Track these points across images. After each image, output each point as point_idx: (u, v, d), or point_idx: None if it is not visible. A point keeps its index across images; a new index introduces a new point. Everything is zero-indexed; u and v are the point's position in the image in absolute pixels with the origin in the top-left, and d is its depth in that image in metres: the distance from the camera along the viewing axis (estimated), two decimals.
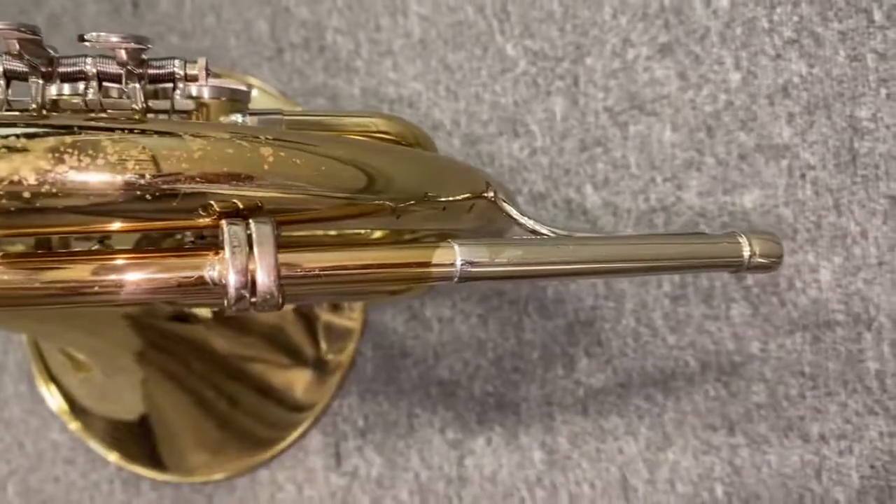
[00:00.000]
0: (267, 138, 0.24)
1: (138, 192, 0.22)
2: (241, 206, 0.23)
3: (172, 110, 0.26)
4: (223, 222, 0.23)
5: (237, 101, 0.27)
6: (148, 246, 0.31)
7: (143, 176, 0.22)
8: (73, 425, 0.61)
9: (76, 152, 0.21)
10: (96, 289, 0.22)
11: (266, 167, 0.23)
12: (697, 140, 0.49)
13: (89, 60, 0.25)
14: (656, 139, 0.50)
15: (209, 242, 0.27)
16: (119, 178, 0.22)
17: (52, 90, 0.26)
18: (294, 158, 0.23)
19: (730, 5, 0.49)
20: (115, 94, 0.26)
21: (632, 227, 0.50)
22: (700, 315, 0.49)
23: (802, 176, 0.47)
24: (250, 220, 0.23)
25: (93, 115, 0.26)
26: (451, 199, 0.27)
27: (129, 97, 0.25)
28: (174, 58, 0.26)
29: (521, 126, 0.52)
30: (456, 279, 0.26)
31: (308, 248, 0.24)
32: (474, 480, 0.53)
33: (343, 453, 0.55)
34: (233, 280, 0.22)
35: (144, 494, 0.61)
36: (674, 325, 0.49)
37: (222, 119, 0.27)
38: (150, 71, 0.25)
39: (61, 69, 0.25)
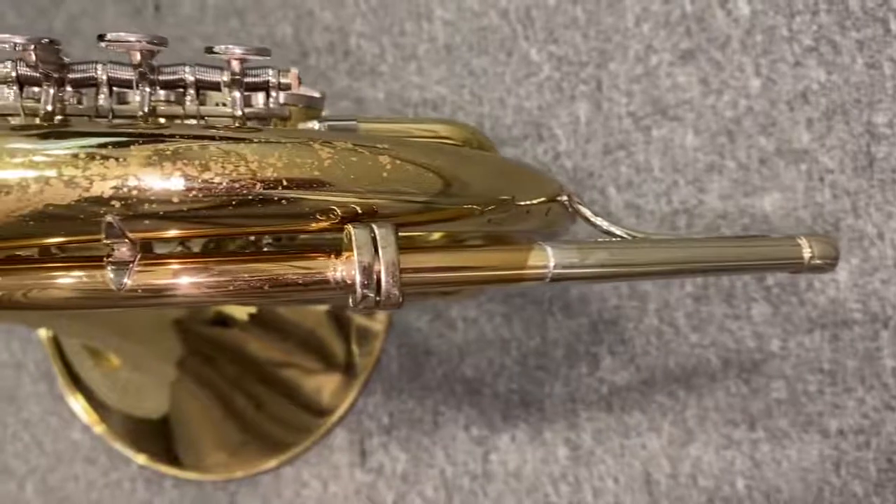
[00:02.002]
0: (384, 147, 0.25)
1: (274, 198, 0.23)
2: (359, 211, 0.24)
3: (267, 118, 0.27)
4: (350, 226, 0.24)
5: (313, 108, 0.28)
6: (213, 249, 0.32)
7: (280, 182, 0.23)
8: (92, 420, 0.61)
9: (221, 160, 0.22)
10: (231, 288, 0.23)
11: (385, 174, 0.24)
12: (719, 144, 0.51)
13: (188, 69, 0.26)
14: (678, 143, 0.51)
15: (302, 243, 0.28)
16: (258, 185, 0.23)
17: (136, 97, 0.26)
18: (407, 167, 0.25)
19: (750, 14, 0.50)
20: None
21: (654, 228, 0.51)
22: (721, 314, 0.50)
23: (821, 179, 0.49)
24: (373, 224, 0.24)
25: (204, 123, 0.26)
26: (531, 202, 0.29)
27: (220, 105, 0.26)
28: (268, 67, 0.27)
29: (546, 130, 0.53)
30: (548, 280, 0.27)
31: (414, 251, 0.25)
32: (499, 476, 0.54)
33: (368, 450, 0.56)
34: (360, 280, 0.24)
35: (167, 492, 0.61)
36: (696, 324, 0.51)
37: (300, 126, 0.28)
38: (248, 80, 0.26)
39: (162, 77, 0.26)
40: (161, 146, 0.23)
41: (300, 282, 0.24)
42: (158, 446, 0.61)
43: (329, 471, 0.57)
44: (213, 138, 0.23)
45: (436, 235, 0.32)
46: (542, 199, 0.29)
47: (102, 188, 0.22)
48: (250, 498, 0.59)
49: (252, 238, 0.31)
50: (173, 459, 0.61)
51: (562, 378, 0.53)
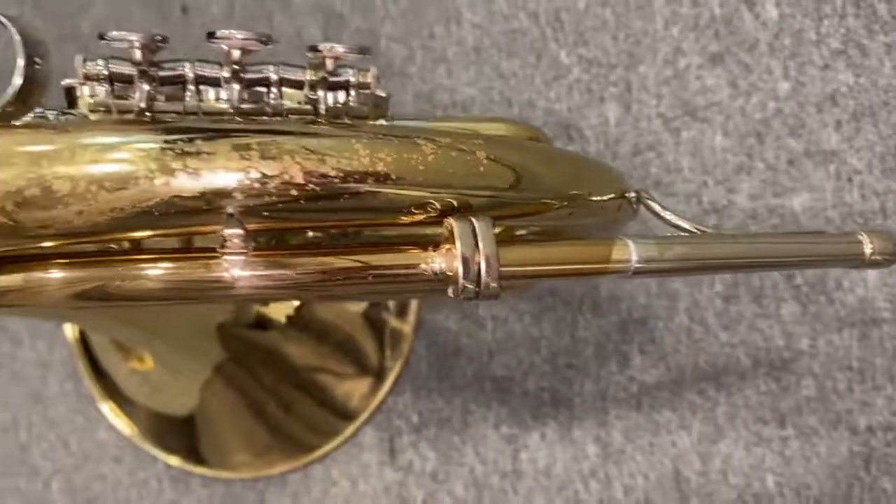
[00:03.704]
0: (479, 143, 0.25)
1: (382, 192, 0.24)
2: (455, 205, 0.25)
3: (349, 115, 0.28)
4: (451, 219, 0.25)
5: (380, 106, 0.29)
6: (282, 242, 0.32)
7: (388, 177, 0.24)
8: (119, 419, 0.61)
9: (336, 155, 0.23)
10: (341, 278, 0.24)
11: (482, 169, 0.25)
12: (748, 145, 0.51)
13: (272, 68, 0.27)
14: (708, 144, 0.52)
15: (382, 236, 0.28)
16: (370, 179, 0.23)
17: (209, 95, 0.27)
18: (501, 163, 0.25)
19: (778, 17, 0.51)
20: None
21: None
22: (751, 313, 0.51)
23: (849, 180, 0.50)
24: (471, 217, 0.25)
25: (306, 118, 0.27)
26: (604, 198, 0.29)
27: (303, 102, 0.27)
28: (348, 66, 0.27)
29: (575, 131, 0.54)
30: (629, 273, 0.28)
31: (506, 244, 0.26)
32: (529, 474, 0.55)
33: (397, 448, 0.57)
34: (462, 272, 0.24)
35: (194, 491, 0.62)
36: (726, 322, 0.51)
37: (370, 124, 0.29)
38: (332, 79, 0.27)
39: (248, 76, 0.27)
40: (280, 140, 0.23)
41: (402, 274, 0.25)
42: (182, 444, 0.61)
43: (358, 469, 0.58)
44: (327, 135, 0.24)
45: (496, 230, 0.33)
46: (614, 194, 0.30)
47: (226, 181, 0.23)
48: (279, 496, 0.59)
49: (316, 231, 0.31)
50: (198, 458, 0.61)
51: (592, 376, 0.54)
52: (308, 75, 0.27)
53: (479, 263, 0.24)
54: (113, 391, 0.62)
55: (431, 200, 0.25)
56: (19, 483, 0.65)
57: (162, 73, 0.26)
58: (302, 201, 0.23)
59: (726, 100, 0.52)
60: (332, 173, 0.23)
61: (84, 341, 0.62)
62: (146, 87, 0.26)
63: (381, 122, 0.29)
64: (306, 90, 0.27)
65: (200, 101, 0.26)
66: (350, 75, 0.27)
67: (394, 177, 0.24)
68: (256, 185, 0.23)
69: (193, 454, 0.61)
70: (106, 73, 0.26)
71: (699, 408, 0.52)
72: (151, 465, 0.62)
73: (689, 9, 0.52)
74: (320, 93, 0.27)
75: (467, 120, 0.32)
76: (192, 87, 0.26)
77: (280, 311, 0.49)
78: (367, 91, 0.28)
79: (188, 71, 0.26)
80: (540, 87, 0.55)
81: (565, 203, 0.28)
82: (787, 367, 0.51)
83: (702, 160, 0.52)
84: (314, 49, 0.26)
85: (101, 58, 0.26)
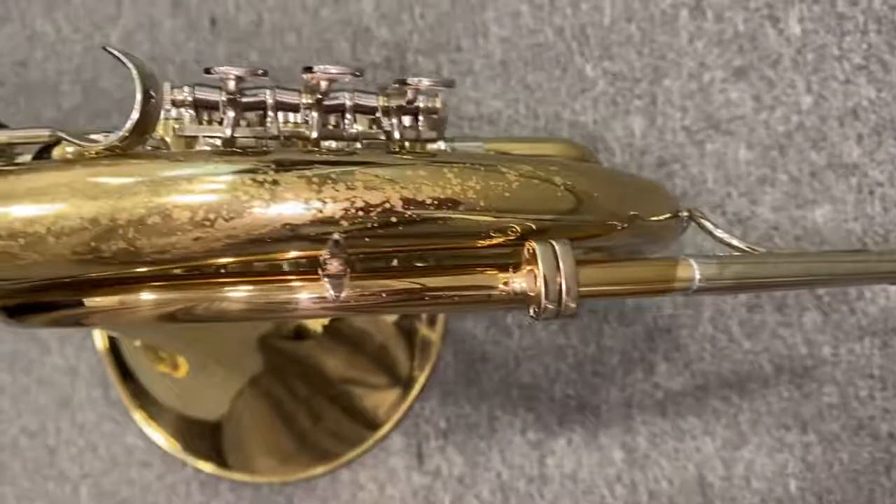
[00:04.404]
0: (555, 169, 0.27)
1: (470, 218, 0.25)
2: (534, 228, 0.26)
3: (419, 140, 0.29)
4: (533, 243, 0.26)
5: (440, 128, 0.30)
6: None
7: (477, 203, 0.25)
8: (147, 424, 0.62)
9: (431, 184, 0.24)
10: (426, 298, 0.25)
11: (559, 195, 0.26)
12: (771, 158, 0.52)
13: (347, 94, 0.28)
14: (732, 157, 0.53)
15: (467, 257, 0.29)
16: (461, 206, 0.25)
17: (277, 118, 0.28)
18: (574, 189, 0.26)
19: (801, 33, 0.52)
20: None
21: (710, 238, 0.53)
22: (774, 322, 0.52)
23: (871, 192, 0.51)
24: (552, 241, 0.26)
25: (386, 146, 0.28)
26: (660, 218, 0.31)
27: (375, 127, 0.28)
28: (421, 93, 0.28)
29: (601, 143, 0.55)
30: (691, 291, 0.29)
31: (580, 266, 0.27)
32: (555, 479, 0.56)
33: (425, 453, 0.58)
34: (545, 293, 0.25)
35: (223, 496, 0.63)
36: (749, 331, 0.53)
37: (429, 147, 0.30)
38: (407, 106, 0.28)
39: (326, 102, 0.28)
40: (380, 171, 0.25)
41: (486, 294, 0.26)
42: (207, 448, 0.62)
43: (386, 474, 0.59)
44: (421, 164, 0.25)
45: None
46: (670, 213, 0.31)
47: (334, 209, 0.24)
48: (307, 501, 0.60)
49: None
50: (222, 463, 0.62)
51: (617, 384, 0.55)
52: (381, 101, 0.28)
53: (560, 284, 0.25)
54: (142, 395, 0.62)
55: (513, 225, 0.26)
56: (48, 487, 0.66)
57: (244, 100, 0.27)
58: (400, 227, 0.25)
59: (750, 113, 0.53)
60: (428, 201, 0.25)
61: (114, 346, 0.63)
62: (232, 113, 0.27)
63: (441, 144, 0.30)
64: (379, 115, 0.28)
65: (280, 126, 0.28)
66: (420, 101, 0.28)
67: (482, 204, 0.25)
68: (360, 213, 0.24)
69: (218, 458, 0.62)
70: (191, 99, 0.27)
71: (723, 414, 0.53)
72: (180, 469, 0.63)
73: (713, 24, 0.53)
74: (394, 119, 0.28)
75: (522, 140, 0.33)
76: (271, 113, 0.27)
77: (317, 320, 0.50)
78: (436, 116, 0.29)
79: (269, 97, 0.27)
80: (566, 100, 0.56)
81: (626, 224, 0.29)
82: (809, 374, 0.52)
83: (726, 172, 0.53)
84: (402, 82, 0.27)
85: (188, 85, 0.27)
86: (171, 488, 0.64)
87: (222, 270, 0.27)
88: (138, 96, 0.25)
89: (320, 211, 0.24)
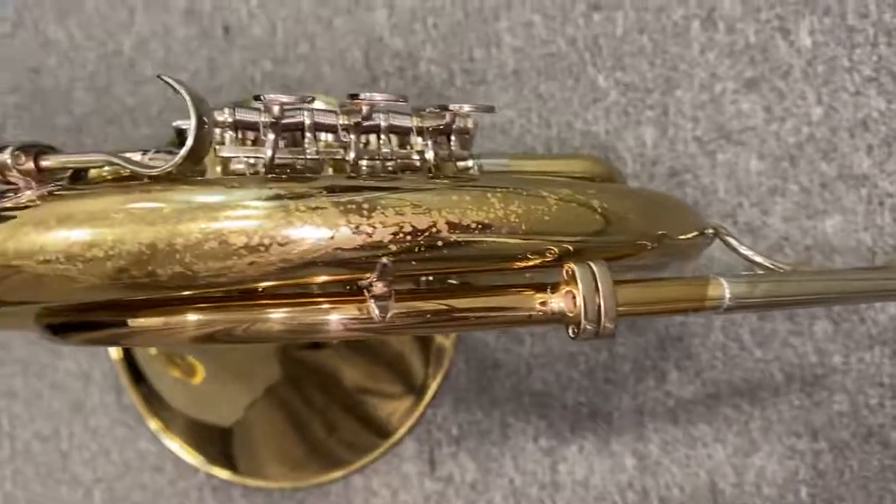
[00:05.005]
0: (592, 192, 0.27)
1: (512, 240, 0.25)
2: (571, 250, 0.27)
3: (451, 159, 0.29)
4: (572, 264, 0.27)
5: (467, 147, 0.31)
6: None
7: (519, 227, 0.26)
8: (162, 432, 0.62)
9: (476, 209, 0.25)
10: (469, 318, 0.26)
11: (596, 217, 0.27)
12: (782, 169, 0.53)
13: (383, 116, 0.28)
14: (743, 167, 0.54)
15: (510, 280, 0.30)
16: (504, 230, 0.25)
17: (315, 139, 0.29)
18: (611, 211, 0.27)
19: (812, 45, 0.53)
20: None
21: (720, 248, 0.54)
22: (785, 331, 0.53)
23: (881, 203, 0.51)
24: (590, 262, 0.27)
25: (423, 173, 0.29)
26: (688, 237, 0.31)
27: (409, 148, 0.28)
28: (456, 116, 0.29)
29: (612, 152, 0.56)
30: (721, 310, 0.30)
31: (616, 285, 0.28)
32: (567, 485, 0.56)
33: (437, 460, 0.59)
34: (584, 313, 0.26)
35: (235, 501, 0.63)
36: (760, 340, 0.53)
37: (460, 164, 0.30)
38: (442, 128, 0.28)
39: (364, 123, 0.28)
40: (426, 197, 0.25)
41: (525, 315, 0.26)
42: (216, 451, 0.62)
43: (398, 480, 0.59)
44: (467, 188, 0.26)
45: None
46: (697, 232, 0.32)
47: (383, 234, 0.25)
48: None
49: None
50: (232, 468, 0.62)
51: (629, 391, 0.55)
52: (415, 122, 0.28)
53: (598, 305, 0.26)
54: (155, 401, 0.63)
55: (551, 247, 0.27)
56: (61, 491, 0.67)
57: (283, 121, 0.28)
58: (444, 251, 0.25)
59: (761, 124, 0.53)
60: (473, 225, 0.25)
61: (127, 353, 0.63)
62: (272, 136, 0.27)
63: (470, 161, 0.31)
64: (413, 137, 0.29)
65: (318, 148, 0.28)
66: (454, 122, 0.29)
67: (524, 227, 0.26)
68: (409, 238, 0.25)
69: (229, 464, 0.62)
70: (231, 120, 0.27)
71: (734, 421, 0.54)
72: (192, 475, 0.64)
73: (724, 35, 0.54)
74: (428, 140, 0.28)
75: (547, 157, 0.34)
76: (308, 134, 0.28)
77: None
78: (467, 136, 0.29)
79: (307, 118, 0.28)
80: (578, 110, 0.57)
81: (656, 244, 0.30)
82: (819, 382, 0.52)
83: (737, 182, 0.54)
84: (444, 108, 0.28)
85: (227, 106, 0.27)
86: (183, 493, 0.64)
87: (259, 291, 0.27)
88: (192, 123, 0.26)
89: (370, 236, 0.25)
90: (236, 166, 0.28)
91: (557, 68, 0.57)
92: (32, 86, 0.68)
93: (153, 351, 0.59)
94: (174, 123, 0.30)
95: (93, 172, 0.29)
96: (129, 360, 0.63)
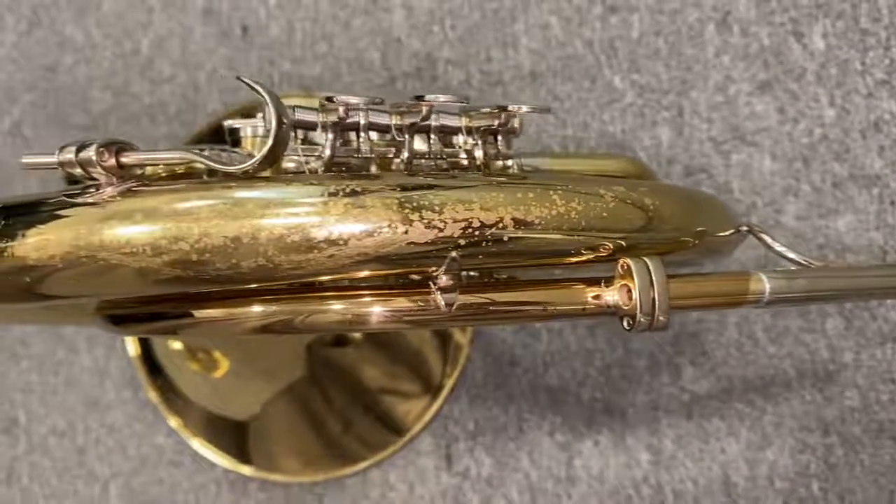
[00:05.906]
0: (644, 190, 0.28)
1: (571, 236, 0.26)
2: (625, 245, 0.28)
3: (499, 157, 0.30)
4: (627, 259, 0.28)
5: (511, 147, 0.32)
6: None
7: (579, 223, 0.26)
8: (174, 422, 0.62)
9: (538, 205, 0.26)
10: (527, 310, 0.27)
11: (650, 214, 0.28)
12: (795, 169, 0.54)
13: (434, 116, 0.29)
14: (757, 167, 0.55)
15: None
16: (565, 226, 0.26)
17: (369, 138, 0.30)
18: (662, 208, 0.28)
19: (825, 48, 0.54)
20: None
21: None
22: (798, 328, 0.54)
23: (892, 203, 0.53)
24: (644, 258, 0.28)
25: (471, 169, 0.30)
26: (726, 233, 0.32)
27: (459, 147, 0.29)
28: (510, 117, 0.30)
29: (629, 152, 0.57)
30: (762, 304, 0.31)
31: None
32: (582, 479, 0.57)
33: (454, 454, 0.59)
34: (640, 306, 0.27)
35: (252, 495, 0.64)
36: (773, 336, 0.54)
37: (500, 164, 0.31)
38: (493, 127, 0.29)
39: (418, 123, 0.29)
40: (493, 194, 0.26)
41: (582, 308, 0.28)
42: (228, 443, 0.62)
43: (415, 474, 0.60)
44: (529, 186, 0.27)
45: None
46: (733, 229, 0.33)
47: (453, 229, 0.26)
48: (338, 500, 0.61)
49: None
50: (245, 461, 0.63)
51: (644, 387, 0.56)
52: (464, 122, 0.29)
53: (653, 298, 0.27)
54: (172, 395, 0.63)
55: (606, 242, 0.28)
56: (77, 486, 0.67)
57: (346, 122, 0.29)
58: (509, 245, 0.26)
59: (775, 125, 0.54)
60: (536, 221, 0.26)
61: (145, 345, 0.63)
62: (331, 135, 0.28)
63: (510, 161, 0.32)
64: (462, 136, 0.30)
65: (372, 147, 0.29)
66: (499, 125, 0.30)
67: (583, 223, 0.27)
68: (477, 233, 0.26)
69: (242, 457, 0.63)
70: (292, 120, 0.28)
71: (747, 416, 0.55)
72: (210, 469, 0.64)
73: (739, 38, 0.55)
74: (479, 139, 0.29)
75: (584, 156, 0.35)
76: (363, 134, 0.29)
77: None
78: (514, 136, 0.30)
79: (361, 118, 0.29)
80: (594, 110, 0.58)
81: (697, 240, 0.31)
82: (831, 378, 0.53)
83: (751, 182, 0.55)
84: (502, 108, 0.29)
85: (288, 106, 0.28)
86: (200, 488, 0.65)
87: (317, 284, 0.28)
88: (273, 124, 0.27)
89: (441, 231, 0.26)
90: (287, 164, 0.29)
91: (574, 70, 0.58)
92: (49, 84, 0.69)
93: (177, 345, 0.59)
94: (226, 123, 0.31)
95: (148, 170, 0.30)
96: (147, 356, 0.63)
